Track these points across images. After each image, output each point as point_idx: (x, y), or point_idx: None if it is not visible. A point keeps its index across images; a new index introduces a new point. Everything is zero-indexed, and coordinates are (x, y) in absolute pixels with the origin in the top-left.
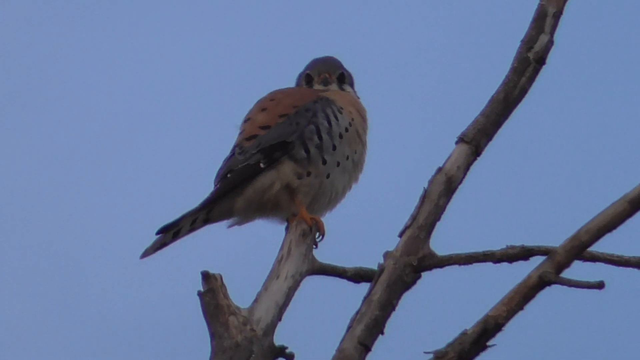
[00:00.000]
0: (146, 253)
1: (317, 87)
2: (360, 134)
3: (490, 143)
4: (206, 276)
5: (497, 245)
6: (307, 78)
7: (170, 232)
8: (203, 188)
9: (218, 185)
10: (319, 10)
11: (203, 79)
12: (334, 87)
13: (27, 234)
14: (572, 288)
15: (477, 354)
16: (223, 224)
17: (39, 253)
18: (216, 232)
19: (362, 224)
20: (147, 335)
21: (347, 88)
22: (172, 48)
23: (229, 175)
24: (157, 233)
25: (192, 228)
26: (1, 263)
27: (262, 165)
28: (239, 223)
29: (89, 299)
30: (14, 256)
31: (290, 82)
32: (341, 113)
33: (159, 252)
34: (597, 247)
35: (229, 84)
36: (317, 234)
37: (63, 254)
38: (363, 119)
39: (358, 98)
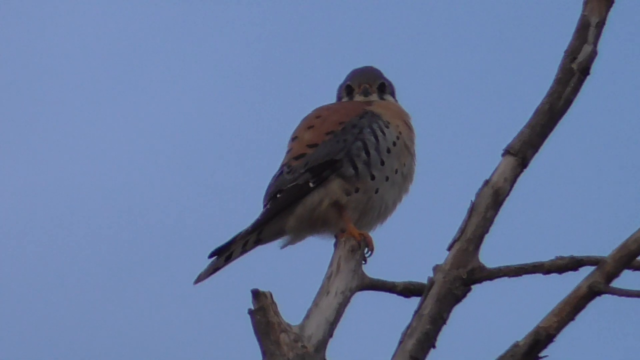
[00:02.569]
0: (200, 278)
1: (357, 97)
2: (408, 145)
3: (537, 154)
4: (256, 294)
5: (546, 256)
6: (347, 89)
7: (223, 256)
8: (251, 207)
9: (268, 206)
10: (359, 20)
11: (240, 96)
12: (374, 97)
13: (69, 248)
14: (623, 297)
15: None
16: (274, 244)
17: (91, 271)
18: (265, 250)
19: (411, 237)
20: (200, 354)
21: (388, 97)
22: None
23: (278, 196)
24: (210, 256)
25: (244, 250)
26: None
27: (311, 184)
28: (291, 242)
29: (142, 319)
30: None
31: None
32: (388, 127)
33: (212, 277)
34: None
35: (268, 101)
36: (366, 249)
37: (117, 272)
38: (410, 129)
39: (400, 106)
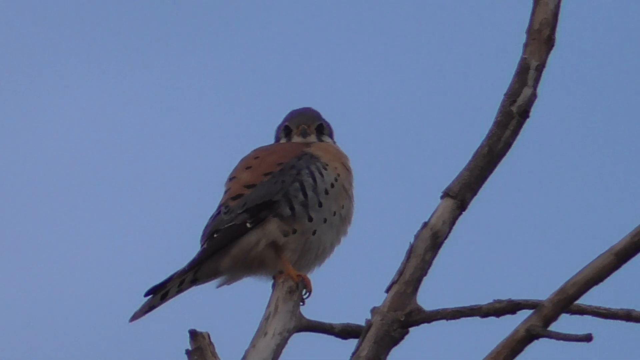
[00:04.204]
0: (135, 316)
1: (296, 139)
2: (346, 188)
3: (476, 197)
4: (194, 334)
5: (484, 299)
6: (285, 130)
7: (159, 294)
8: (189, 245)
9: (205, 246)
10: (297, 58)
11: (185, 133)
12: (312, 138)
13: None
14: (560, 341)
15: None
16: (211, 284)
17: (34, 309)
18: (203, 291)
19: (349, 279)
20: None
21: (327, 139)
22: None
23: (215, 235)
24: (146, 295)
25: (180, 289)
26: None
27: (248, 225)
28: (227, 282)
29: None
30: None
31: (270, 133)
32: (326, 169)
33: (147, 316)
34: (584, 300)
35: (211, 139)
36: (304, 290)
37: (53, 308)
38: (348, 171)
39: (339, 148)
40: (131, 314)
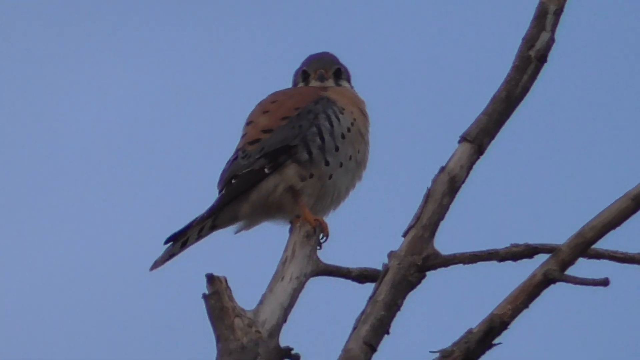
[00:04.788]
0: (156, 265)
1: (313, 83)
2: (362, 133)
3: (493, 142)
4: (211, 279)
5: (501, 243)
6: (303, 75)
7: (179, 242)
8: (206, 190)
9: (223, 192)
10: (318, 6)
11: (200, 78)
12: (330, 82)
13: (36, 239)
14: (577, 285)
15: (483, 352)
16: (230, 229)
17: (49, 260)
18: (221, 236)
19: (366, 224)
20: (154, 339)
21: (344, 83)
22: (170, 47)
23: (233, 181)
24: (166, 242)
25: (200, 236)
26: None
27: (266, 170)
28: (246, 228)
29: (96, 305)
30: (21, 261)
31: (287, 78)
32: (342, 113)
33: (168, 263)
34: (602, 244)
35: (227, 82)
36: (321, 235)
37: (72, 261)
38: (365, 116)
39: (356, 92)
40: (152, 262)
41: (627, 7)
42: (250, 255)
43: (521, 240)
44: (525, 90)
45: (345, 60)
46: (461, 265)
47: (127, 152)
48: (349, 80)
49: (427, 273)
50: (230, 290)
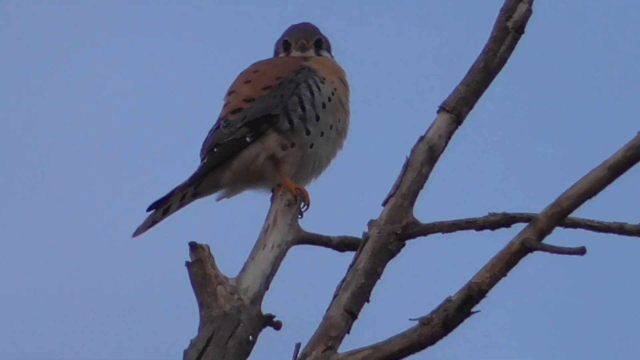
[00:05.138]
0: (138, 231)
1: (294, 53)
2: (343, 102)
3: (472, 112)
4: (194, 247)
5: (479, 212)
6: (285, 45)
7: (161, 209)
8: (188, 159)
9: (205, 160)
10: None
11: (182, 48)
12: (311, 52)
13: (20, 213)
14: (554, 254)
15: (461, 320)
16: (211, 197)
17: (33, 232)
18: (203, 204)
19: (347, 192)
20: (137, 306)
21: (325, 53)
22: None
23: (215, 150)
24: (148, 209)
25: (182, 203)
26: None
27: (248, 139)
28: (227, 195)
29: (81, 275)
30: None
31: (268, 47)
32: (323, 83)
33: (150, 230)
34: (578, 213)
35: (209, 50)
36: (302, 203)
37: (56, 232)
38: (345, 86)
39: (336, 62)
40: (134, 229)
41: None
42: (233, 223)
43: (499, 209)
44: (503, 60)
45: (325, 30)
46: (440, 233)
47: (109, 124)
48: (329, 51)
49: (407, 241)
50: (213, 258)
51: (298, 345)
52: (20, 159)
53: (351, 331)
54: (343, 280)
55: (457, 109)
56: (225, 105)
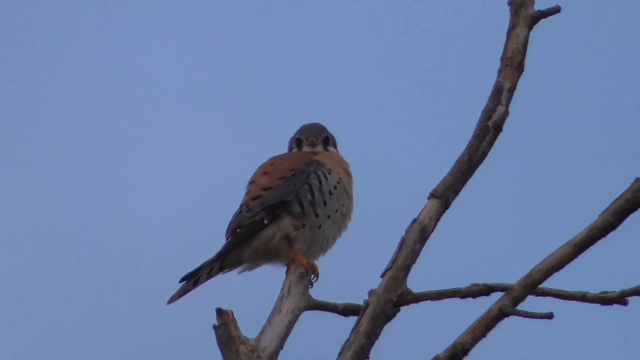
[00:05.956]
0: (172, 299)
1: (306, 148)
2: (347, 189)
3: (457, 198)
4: (220, 312)
5: (463, 283)
6: (297, 141)
7: (192, 281)
8: (216, 238)
9: (229, 239)
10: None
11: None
12: (319, 148)
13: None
14: (527, 318)
15: None
16: (235, 271)
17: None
18: (228, 276)
19: (350, 266)
20: None
21: (331, 149)
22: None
23: (238, 230)
24: (181, 281)
25: (209, 276)
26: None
27: (266, 221)
28: (248, 269)
29: (124, 333)
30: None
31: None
32: (330, 174)
33: (182, 298)
34: (548, 284)
35: (235, 154)
36: (312, 275)
37: (94, 290)
38: (349, 175)
39: (341, 156)
40: (168, 297)
41: (572, 84)
42: (253, 292)
43: (480, 281)
44: (484, 154)
45: (331, 128)
46: (430, 301)
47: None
48: (335, 146)
49: (402, 308)
50: (236, 321)
51: None
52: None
53: None
54: (347, 341)
55: (444, 196)
56: (246, 193)
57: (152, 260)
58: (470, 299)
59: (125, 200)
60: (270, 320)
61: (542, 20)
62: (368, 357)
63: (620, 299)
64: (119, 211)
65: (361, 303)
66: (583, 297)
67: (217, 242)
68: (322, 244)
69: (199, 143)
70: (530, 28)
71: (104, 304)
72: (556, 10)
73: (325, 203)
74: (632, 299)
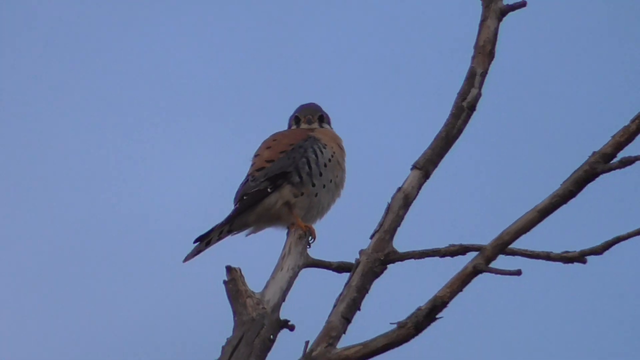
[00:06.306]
0: (187, 258)
1: (303, 126)
2: (340, 162)
3: (436, 169)
4: (229, 269)
5: (442, 244)
6: (296, 119)
7: (204, 242)
8: (225, 204)
9: (237, 205)
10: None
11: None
12: (315, 125)
13: (67, 229)
14: (498, 275)
15: (428, 324)
16: (242, 233)
17: (84, 252)
18: (237, 239)
19: (343, 229)
20: (189, 313)
21: (326, 126)
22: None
23: (245, 198)
24: (195, 242)
25: (220, 237)
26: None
27: (269, 190)
28: (254, 232)
29: (140, 294)
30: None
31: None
32: (325, 148)
33: (196, 257)
34: (516, 245)
35: (242, 117)
36: (310, 237)
37: (120, 251)
38: (342, 149)
39: (335, 132)
40: (184, 256)
41: (537, 70)
42: (258, 251)
43: (457, 242)
44: (460, 131)
45: (325, 107)
46: (413, 260)
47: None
48: (329, 123)
49: (388, 266)
50: (244, 277)
51: (307, 343)
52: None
53: (346, 332)
54: (340, 294)
55: (425, 167)
56: (252, 165)
57: (171, 225)
58: (448, 258)
59: (154, 182)
60: (273, 276)
61: (510, 13)
62: (359, 309)
63: (579, 258)
64: (149, 191)
65: (353, 261)
66: (547, 257)
67: (226, 208)
68: (318, 210)
69: (207, 135)
70: (499, 20)
71: (130, 264)
72: (522, 4)
73: (320, 174)
74: (590, 258)
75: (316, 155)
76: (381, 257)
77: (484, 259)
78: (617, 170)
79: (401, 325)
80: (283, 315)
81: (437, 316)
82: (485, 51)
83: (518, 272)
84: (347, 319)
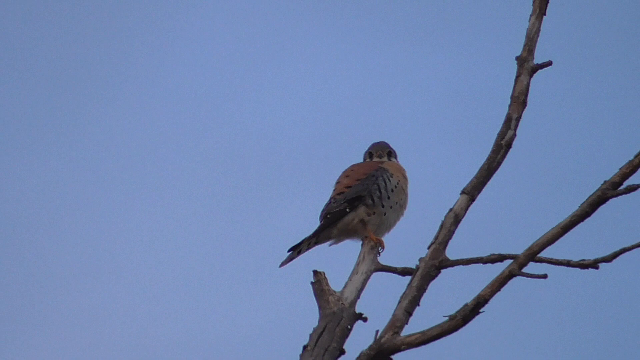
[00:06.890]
0: (282, 264)
1: (375, 159)
2: (404, 188)
3: (480, 194)
4: (315, 272)
5: (484, 253)
6: (369, 154)
7: (296, 251)
8: (313, 222)
9: (322, 222)
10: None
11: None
12: (385, 159)
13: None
14: (529, 278)
15: (473, 317)
16: (326, 244)
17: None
18: (322, 248)
19: (406, 240)
20: (285, 308)
21: (393, 159)
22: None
23: (328, 216)
24: (288, 251)
25: (308, 247)
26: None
27: (347, 210)
28: (335, 243)
29: (250, 293)
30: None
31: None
32: (392, 177)
33: (290, 263)
34: (543, 254)
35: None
36: (380, 247)
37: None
38: (406, 179)
39: (400, 164)
40: (280, 262)
41: (560, 118)
42: (339, 258)
43: (496, 251)
44: (499, 164)
45: (393, 144)
46: (461, 265)
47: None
48: (396, 157)
49: (442, 270)
50: (327, 279)
51: (377, 332)
52: None
53: (409, 323)
54: (403, 293)
55: (471, 192)
56: (334, 190)
57: (267, 237)
58: (489, 265)
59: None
60: (350, 278)
61: (540, 71)
62: (419, 304)
63: (593, 265)
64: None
65: (414, 267)
66: (567, 264)
67: (313, 224)
68: (386, 226)
69: None
70: (531, 76)
71: (246, 271)
72: (549, 63)
73: (388, 197)
74: (601, 265)
75: (385, 183)
76: (436, 263)
77: (517, 265)
78: (624, 195)
79: (452, 317)
80: (358, 309)
81: (480, 310)
82: (519, 100)
83: (544, 276)
84: (409, 313)
